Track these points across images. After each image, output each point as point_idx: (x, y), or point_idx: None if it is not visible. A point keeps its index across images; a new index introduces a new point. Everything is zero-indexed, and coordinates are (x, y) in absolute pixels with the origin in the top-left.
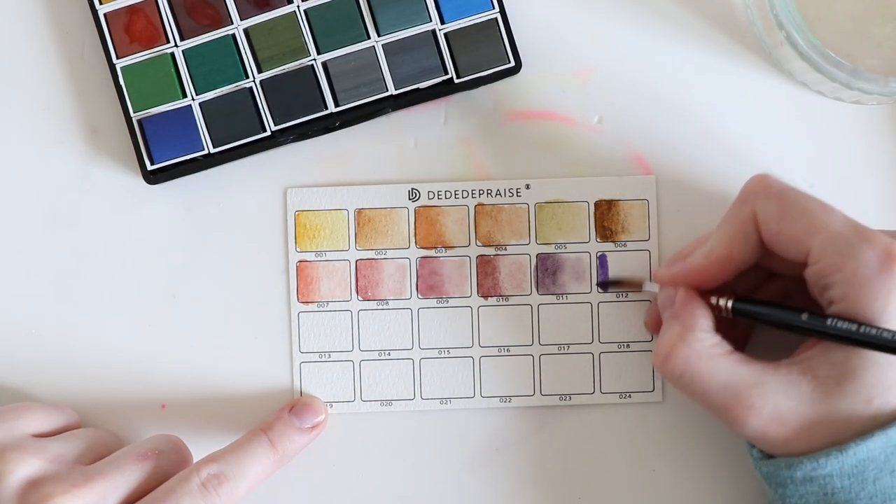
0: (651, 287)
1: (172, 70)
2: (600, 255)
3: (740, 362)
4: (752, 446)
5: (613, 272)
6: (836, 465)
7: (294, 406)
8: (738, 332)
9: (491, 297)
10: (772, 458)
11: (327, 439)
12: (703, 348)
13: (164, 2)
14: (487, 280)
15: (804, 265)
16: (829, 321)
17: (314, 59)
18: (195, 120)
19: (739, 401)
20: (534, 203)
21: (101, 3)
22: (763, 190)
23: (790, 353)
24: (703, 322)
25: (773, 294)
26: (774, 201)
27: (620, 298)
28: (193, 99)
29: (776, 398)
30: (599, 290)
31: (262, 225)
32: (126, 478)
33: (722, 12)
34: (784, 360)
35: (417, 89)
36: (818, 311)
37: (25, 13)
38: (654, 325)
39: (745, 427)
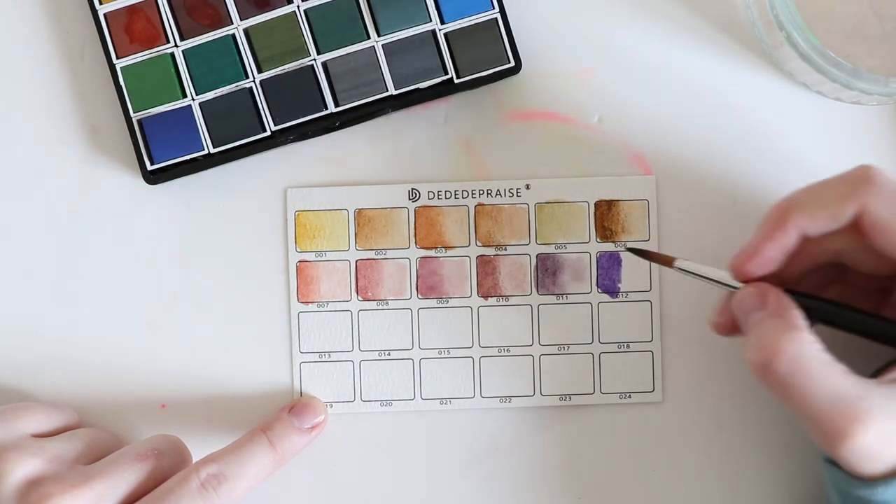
0: (686, 264)
1: (172, 70)
2: (605, 255)
3: (846, 373)
4: None
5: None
6: (893, 494)
7: (294, 406)
8: None
9: (491, 297)
10: (836, 467)
11: (327, 439)
12: (812, 350)
13: (164, 2)
14: (487, 280)
15: None
16: None
17: (314, 59)
18: (195, 120)
19: (844, 412)
20: (534, 203)
21: (101, 3)
22: (876, 182)
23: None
24: (805, 323)
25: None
26: (888, 196)
27: (620, 299)
28: (193, 99)
29: (882, 414)
30: (628, 251)
31: (262, 225)
32: (125, 478)
33: (722, 12)
34: (884, 376)
35: (417, 89)
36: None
37: (25, 13)
38: (727, 327)
39: (847, 440)
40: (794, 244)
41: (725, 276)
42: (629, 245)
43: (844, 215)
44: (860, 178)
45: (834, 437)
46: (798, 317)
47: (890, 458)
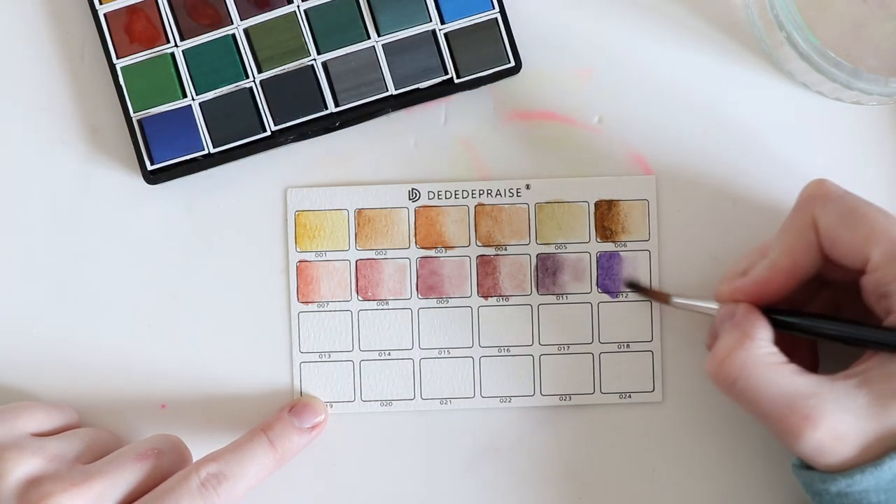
0: (681, 300)
1: (172, 70)
2: (605, 255)
3: (797, 373)
4: None
5: (627, 273)
6: (871, 482)
7: (294, 406)
8: (804, 356)
9: (491, 297)
10: (810, 469)
11: (327, 439)
12: (761, 355)
13: (164, 2)
14: (487, 280)
15: (861, 272)
16: (882, 329)
17: (314, 59)
18: (195, 120)
19: (795, 411)
20: (534, 203)
21: (101, 3)
22: (822, 195)
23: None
24: (763, 332)
25: (823, 305)
26: (834, 206)
27: (620, 299)
28: (193, 99)
29: (833, 410)
30: (625, 288)
31: (262, 225)
32: (125, 477)
33: (722, 12)
34: (841, 373)
35: (417, 89)
36: (872, 321)
37: (25, 13)
38: None
39: (801, 439)
40: (785, 291)
41: (716, 306)
42: (628, 280)
43: (814, 244)
44: (809, 196)
45: (789, 435)
46: (755, 327)
47: (848, 450)
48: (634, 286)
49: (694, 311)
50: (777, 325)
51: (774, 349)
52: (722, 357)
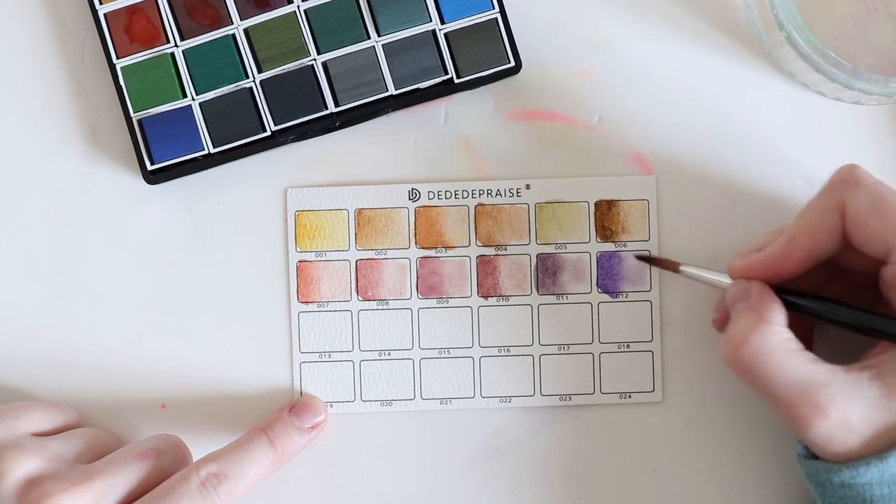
0: (690, 270)
1: (172, 70)
2: (605, 256)
3: (812, 361)
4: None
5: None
6: (875, 474)
7: (294, 406)
8: (801, 336)
9: (491, 297)
10: (815, 459)
11: (327, 439)
12: (778, 341)
13: (164, 2)
14: (487, 280)
15: (881, 263)
16: None
17: (314, 59)
18: (195, 120)
19: (808, 399)
20: (534, 203)
21: (101, 3)
22: (854, 180)
23: (850, 360)
24: (779, 316)
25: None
26: (865, 193)
27: (620, 299)
28: (193, 99)
29: (844, 401)
30: (636, 258)
31: (262, 225)
32: (125, 477)
33: (722, 12)
34: (855, 364)
35: (417, 89)
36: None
37: (25, 13)
38: (724, 323)
39: (810, 427)
40: (799, 269)
41: (726, 280)
42: (637, 253)
43: (837, 226)
44: (841, 179)
45: (799, 423)
46: (772, 310)
47: (856, 441)
48: (643, 258)
49: (702, 283)
50: (789, 307)
51: (790, 335)
52: (738, 341)
